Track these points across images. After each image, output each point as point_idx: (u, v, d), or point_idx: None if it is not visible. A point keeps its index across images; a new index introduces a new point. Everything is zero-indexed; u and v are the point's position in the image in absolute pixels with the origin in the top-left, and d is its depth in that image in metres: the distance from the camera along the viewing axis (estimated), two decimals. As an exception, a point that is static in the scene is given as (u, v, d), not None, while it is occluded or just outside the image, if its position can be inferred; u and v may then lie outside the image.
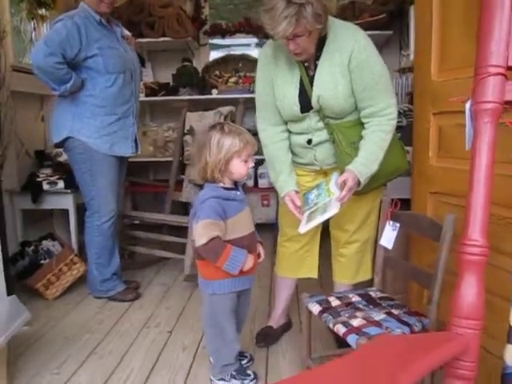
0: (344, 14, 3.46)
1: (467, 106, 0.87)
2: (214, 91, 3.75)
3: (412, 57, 3.17)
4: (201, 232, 1.47)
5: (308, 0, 1.50)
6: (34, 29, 3.19)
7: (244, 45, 4.33)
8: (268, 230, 3.23)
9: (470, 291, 0.80)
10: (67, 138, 2.37)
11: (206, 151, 1.50)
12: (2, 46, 2.64)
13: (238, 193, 1.59)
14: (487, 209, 0.82)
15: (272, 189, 3.71)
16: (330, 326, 1.45)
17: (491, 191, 0.84)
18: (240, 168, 1.54)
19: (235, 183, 1.61)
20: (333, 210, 1.57)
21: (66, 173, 2.91)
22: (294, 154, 1.85)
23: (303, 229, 1.63)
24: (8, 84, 2.68)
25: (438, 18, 1.72)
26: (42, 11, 3.17)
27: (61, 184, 2.84)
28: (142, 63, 2.69)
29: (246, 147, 1.52)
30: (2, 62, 2.63)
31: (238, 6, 4.38)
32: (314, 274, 2.00)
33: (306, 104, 1.72)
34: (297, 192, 1.74)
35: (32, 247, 2.65)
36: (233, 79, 3.78)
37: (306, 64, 1.73)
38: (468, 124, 0.89)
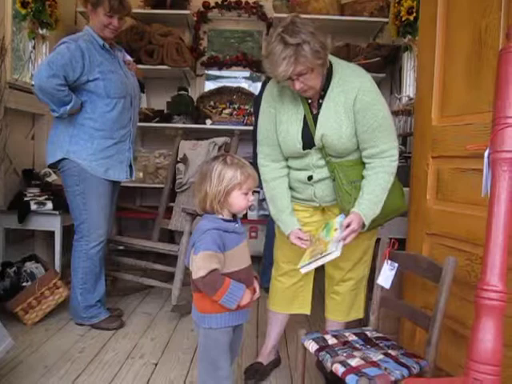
0: (338, 56, 3.53)
1: (485, 154, 0.90)
2: (208, 121, 3.78)
3: (404, 100, 3.28)
4: (200, 264, 1.43)
5: (304, 39, 1.54)
6: (34, 48, 3.19)
7: (238, 77, 4.42)
8: (254, 262, 3.20)
9: (488, 336, 0.81)
10: (62, 159, 2.34)
11: (206, 182, 1.49)
12: (2, 63, 2.62)
13: (237, 225, 1.57)
14: (505, 254, 0.84)
15: (261, 221, 3.72)
16: (328, 364, 1.43)
17: (509, 237, 0.85)
18: (240, 201, 1.52)
19: (234, 215, 1.59)
20: (334, 254, 1.60)
21: (54, 193, 2.87)
22: (292, 189, 1.86)
23: (304, 269, 1.65)
24: (4, 101, 2.65)
25: (439, 65, 1.79)
26: (44, 31, 3.18)
27: (49, 205, 2.78)
28: (142, 89, 2.70)
29: (248, 180, 1.51)
30: (1, 80, 2.61)
31: (230, 39, 4.49)
32: (307, 311, 1.98)
33: (308, 141, 1.74)
34: (300, 229, 1.76)
35: (14, 268, 2.56)
36: (227, 111, 3.82)
37: (309, 102, 1.76)
38: (485, 171, 0.92)
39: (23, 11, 3.04)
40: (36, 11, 3.06)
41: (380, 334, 1.64)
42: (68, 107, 2.25)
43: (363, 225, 1.66)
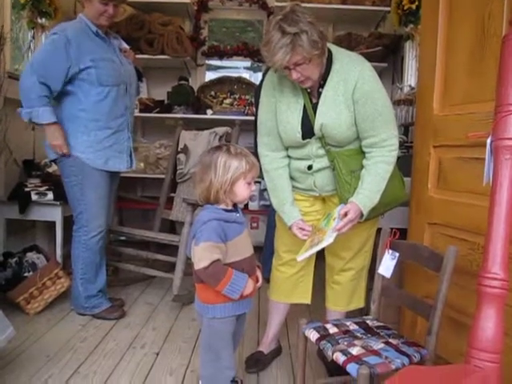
0: (340, 45, 3.51)
1: (488, 141, 0.89)
2: (209, 111, 3.77)
3: (406, 90, 3.26)
4: (201, 255, 1.43)
5: (302, 29, 1.53)
6: (33, 37, 3.17)
7: (240, 67, 4.39)
8: (256, 252, 3.20)
9: (488, 324, 0.81)
10: (61, 154, 2.33)
11: (211, 172, 1.48)
12: (1, 52, 2.60)
13: (238, 215, 1.57)
14: (507, 243, 0.83)
15: (262, 211, 3.72)
16: (329, 353, 1.43)
17: (511, 226, 0.85)
18: (244, 190, 1.52)
19: (235, 205, 1.59)
20: (326, 241, 1.61)
21: (55, 184, 2.86)
22: (293, 178, 1.86)
23: (300, 257, 1.66)
24: (4, 91, 2.63)
25: (441, 53, 1.78)
26: (43, 21, 3.15)
27: (50, 195, 2.78)
28: (140, 77, 2.67)
29: (252, 170, 1.52)
30: (1, 69, 2.59)
31: (231, 29, 4.46)
32: (308, 300, 1.99)
33: (308, 131, 1.73)
34: (302, 220, 1.76)
35: (15, 259, 2.57)
36: (228, 101, 3.81)
37: (308, 91, 1.75)
38: (487, 159, 0.91)
39: (22, 1, 3.01)
40: (35, 1, 3.03)
41: (381, 323, 1.64)
42: (30, 111, 2.22)
43: (361, 214, 1.66)
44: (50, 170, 3.05)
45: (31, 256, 2.57)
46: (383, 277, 1.68)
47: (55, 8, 3.19)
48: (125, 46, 2.55)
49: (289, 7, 1.60)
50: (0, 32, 2.59)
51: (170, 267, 2.80)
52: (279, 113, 1.78)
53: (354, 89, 1.66)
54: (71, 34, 2.23)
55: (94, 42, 2.31)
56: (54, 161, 2.42)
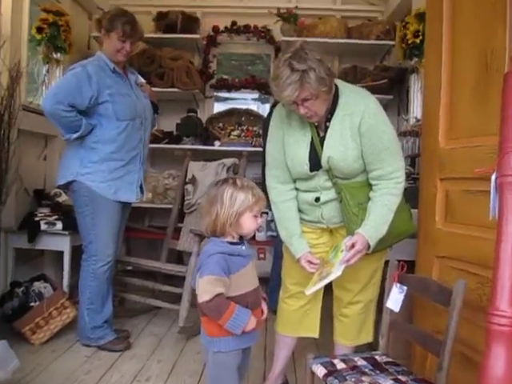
0: (346, 78, 3.61)
1: (492, 178, 0.90)
2: (217, 143, 3.82)
3: (412, 121, 3.29)
4: (204, 288, 1.43)
5: (310, 66, 1.57)
6: (48, 71, 3.27)
7: (247, 99, 4.47)
8: (263, 283, 3.18)
9: (498, 363, 0.79)
10: (72, 181, 2.38)
11: (217, 204, 1.49)
12: (18, 87, 2.69)
13: (244, 247, 1.57)
14: (515, 279, 0.83)
15: (269, 242, 3.71)
16: (337, 390, 1.40)
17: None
18: (250, 223, 1.53)
19: (241, 237, 1.59)
20: (335, 273, 1.62)
21: (65, 213, 2.89)
22: (300, 211, 1.87)
23: (309, 291, 1.66)
24: (18, 123, 2.71)
25: (446, 88, 1.80)
26: (57, 55, 3.26)
27: (59, 225, 2.81)
28: (156, 110, 2.73)
29: (258, 202, 1.53)
30: (16, 103, 2.67)
31: (240, 61, 4.56)
32: (315, 333, 1.96)
33: (315, 163, 1.76)
34: (310, 252, 1.76)
35: (22, 288, 2.57)
36: (235, 132, 3.86)
37: (316, 124, 1.77)
38: (492, 195, 0.91)
39: (39, 37, 3.12)
40: (51, 37, 3.14)
41: (390, 359, 1.61)
42: (74, 136, 2.30)
43: (369, 246, 1.66)
44: (59, 199, 3.08)
45: (38, 285, 2.57)
46: (391, 311, 1.66)
47: (70, 44, 3.30)
48: (141, 80, 2.63)
49: (298, 45, 1.64)
50: (17, 67, 2.68)
51: (177, 298, 2.79)
52: (287, 146, 1.80)
53: (360, 123, 1.69)
54: (91, 69, 2.32)
55: (112, 79, 2.39)
56: (65, 188, 2.45)
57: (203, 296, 1.42)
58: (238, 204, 1.48)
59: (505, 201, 0.87)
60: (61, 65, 3.32)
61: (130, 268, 3.18)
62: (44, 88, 3.26)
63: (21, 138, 2.83)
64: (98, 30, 2.45)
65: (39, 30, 3.11)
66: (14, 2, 2.82)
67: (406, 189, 1.78)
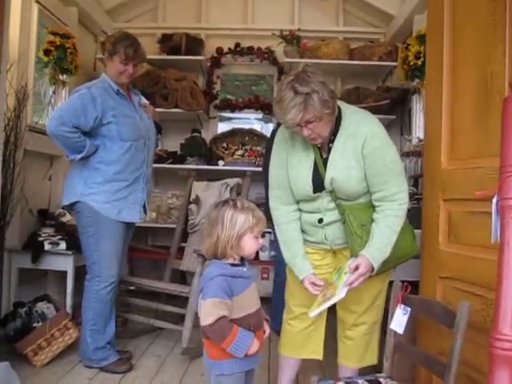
0: (349, 99, 3.65)
1: (493, 201, 0.90)
2: (221, 162, 3.84)
3: (414, 141, 3.30)
4: (207, 311, 1.43)
5: (313, 89, 1.59)
6: (54, 92, 3.32)
7: (251, 118, 4.51)
8: (265, 303, 3.16)
9: (503, 388, 0.78)
10: (76, 202, 2.39)
11: (218, 226, 1.50)
12: (24, 108, 2.73)
13: (245, 269, 1.56)
14: (517, 303, 0.82)
15: (272, 262, 3.69)
16: (341, 414, 1.39)
17: (521, 285, 0.84)
18: (251, 244, 1.53)
19: (242, 259, 1.59)
20: (338, 295, 1.61)
21: (68, 233, 2.90)
22: (303, 232, 1.87)
23: (312, 313, 1.66)
24: (24, 144, 2.74)
25: (447, 109, 1.82)
26: (64, 77, 3.31)
27: (63, 245, 2.81)
28: (159, 131, 2.77)
29: (259, 223, 1.53)
30: (22, 124, 2.71)
31: (243, 82, 4.62)
32: (319, 355, 1.94)
33: (318, 184, 1.76)
34: (314, 274, 1.76)
35: (25, 308, 2.57)
36: (239, 152, 3.89)
37: (319, 146, 1.79)
38: (494, 218, 0.92)
39: (46, 59, 3.18)
40: (58, 59, 3.20)
41: (394, 382, 1.59)
42: (79, 156, 2.33)
43: (372, 268, 1.65)
44: (63, 219, 3.09)
45: (41, 306, 2.56)
46: (395, 332, 1.65)
47: (76, 65, 3.36)
48: (144, 101, 2.67)
49: (300, 68, 1.67)
50: (23, 89, 2.73)
51: (180, 318, 2.77)
52: (290, 167, 1.81)
53: (363, 144, 1.70)
54: (95, 91, 2.36)
55: (116, 100, 2.43)
56: (70, 208, 2.47)
57: (206, 319, 1.42)
58: (238, 226, 1.48)
59: (506, 224, 0.87)
60: (67, 86, 3.37)
61: (132, 288, 3.17)
62: (50, 108, 3.31)
63: (26, 158, 2.87)
64: (102, 53, 2.50)
65: (46, 52, 3.17)
66: (22, 24, 2.89)
67: (409, 209, 1.78)
